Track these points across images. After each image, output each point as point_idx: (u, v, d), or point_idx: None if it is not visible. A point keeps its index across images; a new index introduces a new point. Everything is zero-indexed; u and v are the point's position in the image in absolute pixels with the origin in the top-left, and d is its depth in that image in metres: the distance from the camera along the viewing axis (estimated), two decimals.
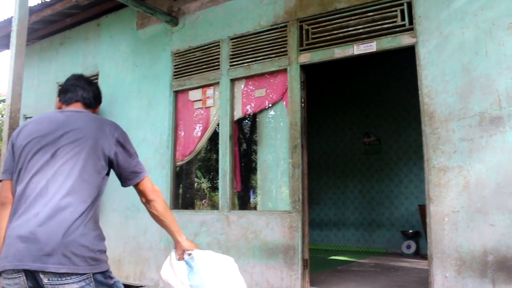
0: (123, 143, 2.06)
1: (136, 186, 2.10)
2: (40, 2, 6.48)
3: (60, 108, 2.21)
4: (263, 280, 4.50)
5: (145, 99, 5.75)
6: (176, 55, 5.58)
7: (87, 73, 6.57)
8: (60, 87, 2.13)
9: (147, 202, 2.12)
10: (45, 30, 7.25)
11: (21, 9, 4.28)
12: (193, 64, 5.41)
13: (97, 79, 6.41)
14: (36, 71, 7.32)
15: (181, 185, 7.19)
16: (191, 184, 9.16)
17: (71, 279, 1.74)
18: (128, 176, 2.07)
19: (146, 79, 5.80)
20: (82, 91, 2.21)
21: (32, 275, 1.75)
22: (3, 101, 14.61)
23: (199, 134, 5.35)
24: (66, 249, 1.74)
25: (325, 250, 8.41)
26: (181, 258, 2.30)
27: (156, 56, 5.77)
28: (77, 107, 2.17)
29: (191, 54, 5.46)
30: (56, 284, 1.73)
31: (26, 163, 1.92)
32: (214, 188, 9.65)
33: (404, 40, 4.03)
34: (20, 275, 1.75)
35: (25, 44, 4.17)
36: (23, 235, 1.76)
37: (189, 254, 2.32)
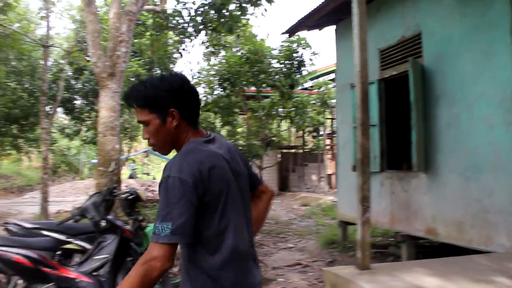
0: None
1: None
2: None
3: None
4: None
5: (479, 51, 5.23)
6: None
7: (408, 34, 6.49)
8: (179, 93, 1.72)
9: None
10: None
11: None
12: None
13: (419, 39, 6.24)
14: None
15: None
16: None
17: None
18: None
19: (477, 29, 5.27)
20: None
21: None
22: (328, 73, 16.11)
23: None
24: None
25: None
26: None
27: (488, 1, 5.17)
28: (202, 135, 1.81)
29: None
30: None
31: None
32: None
33: None
34: None
35: (365, 12, 4.36)
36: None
37: None
